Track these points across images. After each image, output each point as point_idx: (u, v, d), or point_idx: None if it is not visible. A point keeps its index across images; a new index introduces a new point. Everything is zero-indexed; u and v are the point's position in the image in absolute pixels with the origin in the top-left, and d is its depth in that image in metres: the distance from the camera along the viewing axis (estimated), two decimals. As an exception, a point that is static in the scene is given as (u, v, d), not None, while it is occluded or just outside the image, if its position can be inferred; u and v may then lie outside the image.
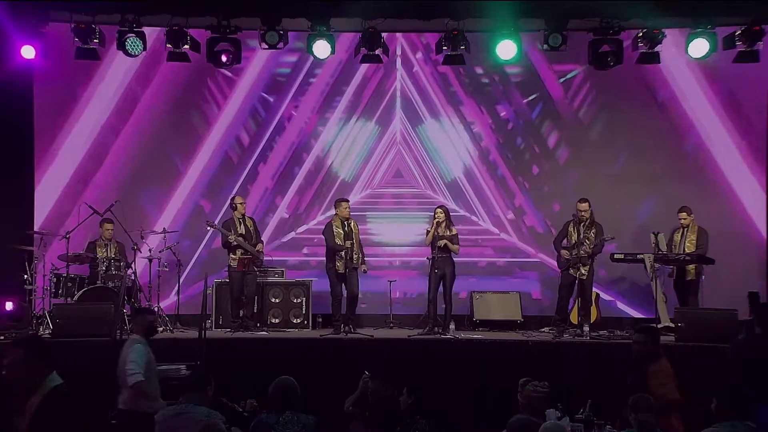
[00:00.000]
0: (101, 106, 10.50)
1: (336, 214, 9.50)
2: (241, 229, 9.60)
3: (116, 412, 6.08)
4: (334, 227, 9.39)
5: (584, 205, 9.26)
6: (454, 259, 9.37)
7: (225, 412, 5.15)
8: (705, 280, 9.32)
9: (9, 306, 8.98)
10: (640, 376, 5.60)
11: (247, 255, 9.51)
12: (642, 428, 4.83)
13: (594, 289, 9.69)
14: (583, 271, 9.20)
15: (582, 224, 9.24)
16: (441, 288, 9.26)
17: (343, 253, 9.23)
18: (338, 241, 9.29)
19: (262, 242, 9.78)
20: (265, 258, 9.80)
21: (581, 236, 9.20)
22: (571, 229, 9.32)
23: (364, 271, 9.56)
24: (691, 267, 9.26)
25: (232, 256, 9.52)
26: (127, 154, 10.59)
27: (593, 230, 9.20)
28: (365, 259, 9.58)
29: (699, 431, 4.71)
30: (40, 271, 9.30)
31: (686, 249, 9.34)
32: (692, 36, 9.04)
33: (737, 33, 8.94)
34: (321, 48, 9.17)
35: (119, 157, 10.57)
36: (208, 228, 9.61)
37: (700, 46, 9.07)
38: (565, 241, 9.42)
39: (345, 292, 9.36)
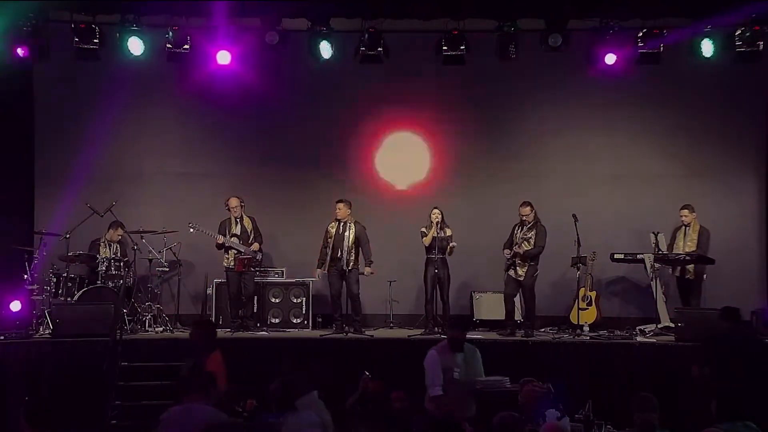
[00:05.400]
0: (101, 106, 10.50)
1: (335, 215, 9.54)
2: (236, 230, 9.61)
3: None
4: (328, 228, 9.46)
5: (526, 209, 9.25)
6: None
7: (225, 412, 5.15)
8: (706, 279, 9.35)
9: (16, 306, 8.99)
10: (198, 364, 5.89)
11: (244, 255, 9.51)
12: (645, 428, 4.83)
13: (594, 289, 9.72)
14: (520, 272, 9.17)
15: (525, 226, 9.25)
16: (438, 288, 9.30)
17: (328, 252, 9.29)
18: (323, 244, 9.41)
19: (260, 242, 9.74)
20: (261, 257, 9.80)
21: (519, 238, 9.19)
22: (515, 231, 9.33)
23: (370, 273, 9.50)
24: (691, 266, 9.28)
25: (226, 256, 9.55)
26: (127, 154, 10.60)
27: (534, 232, 9.19)
28: (371, 261, 9.48)
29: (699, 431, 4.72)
30: (40, 271, 9.30)
31: (687, 248, 9.37)
32: (701, 36, 9.02)
33: (737, 33, 8.94)
34: (324, 48, 9.18)
35: (119, 156, 10.58)
36: (191, 230, 9.58)
37: (708, 46, 9.05)
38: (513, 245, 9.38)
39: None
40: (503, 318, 9.48)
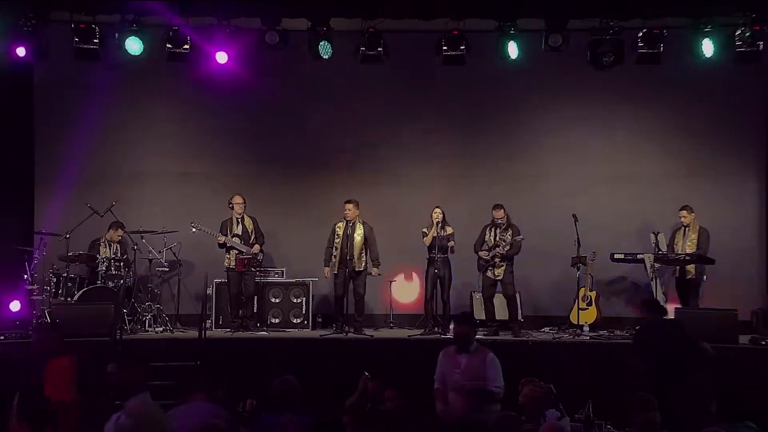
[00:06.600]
0: (101, 106, 10.50)
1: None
2: (238, 230, 9.61)
3: None
4: (336, 228, 9.47)
5: (499, 213, 9.34)
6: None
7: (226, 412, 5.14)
8: (706, 279, 9.35)
9: (16, 307, 8.99)
10: (36, 372, 5.35)
11: (245, 255, 9.51)
12: (645, 428, 4.82)
13: (594, 289, 9.72)
14: (498, 272, 9.26)
15: (499, 228, 9.28)
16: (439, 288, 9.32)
17: (336, 253, 9.31)
18: (329, 244, 9.45)
19: (262, 242, 9.75)
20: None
21: (497, 238, 9.24)
22: (487, 232, 9.38)
23: (377, 275, 9.56)
24: (691, 266, 9.28)
25: (227, 256, 9.56)
26: (127, 154, 10.59)
27: (509, 232, 9.24)
28: (378, 262, 9.54)
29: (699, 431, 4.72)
30: (40, 271, 9.29)
31: (687, 248, 9.38)
32: (701, 36, 9.02)
33: (737, 33, 8.93)
34: (324, 48, 9.18)
35: (119, 156, 10.58)
36: (193, 230, 9.59)
37: (708, 46, 9.05)
38: (485, 245, 9.37)
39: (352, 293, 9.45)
40: (503, 318, 9.49)
